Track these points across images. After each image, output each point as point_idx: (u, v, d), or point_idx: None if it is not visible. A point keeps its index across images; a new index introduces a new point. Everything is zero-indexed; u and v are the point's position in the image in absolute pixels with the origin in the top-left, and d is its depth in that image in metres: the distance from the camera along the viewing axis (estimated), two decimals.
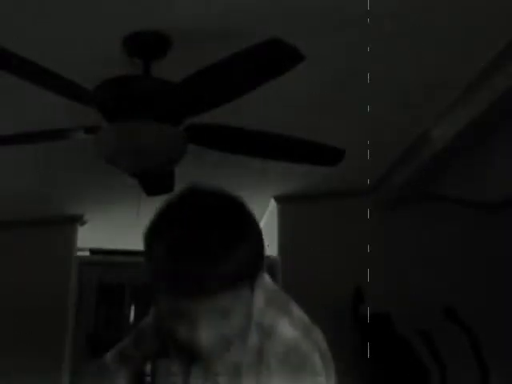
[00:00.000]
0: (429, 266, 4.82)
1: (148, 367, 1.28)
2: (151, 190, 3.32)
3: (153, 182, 3.20)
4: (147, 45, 2.55)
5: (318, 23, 2.51)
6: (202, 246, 1.05)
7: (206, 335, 1.11)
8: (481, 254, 4.88)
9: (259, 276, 1.18)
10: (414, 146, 4.07)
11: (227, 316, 1.12)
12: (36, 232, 5.06)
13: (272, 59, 2.12)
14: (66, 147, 3.08)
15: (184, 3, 2.31)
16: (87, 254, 5.81)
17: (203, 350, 1.14)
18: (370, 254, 4.85)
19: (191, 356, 1.24)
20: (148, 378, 1.33)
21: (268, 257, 5.26)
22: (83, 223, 5.27)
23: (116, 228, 5.55)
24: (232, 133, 2.75)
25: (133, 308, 5.84)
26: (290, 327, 1.23)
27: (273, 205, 5.12)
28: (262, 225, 5.40)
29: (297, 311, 1.28)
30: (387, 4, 2.39)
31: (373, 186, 4.95)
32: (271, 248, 5.11)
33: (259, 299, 1.23)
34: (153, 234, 1.12)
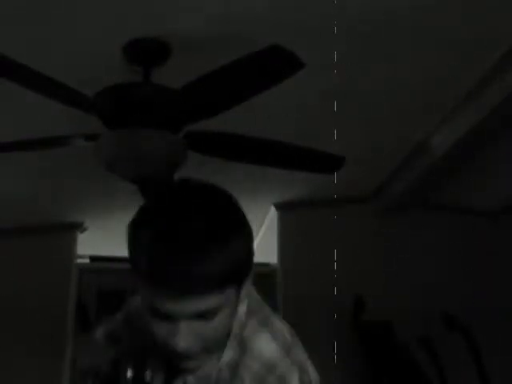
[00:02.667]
0: (429, 273, 4.81)
1: (148, 374, 1.22)
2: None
3: (153, 189, 3.20)
4: (147, 52, 2.55)
5: (318, 32, 2.52)
6: (190, 240, 0.99)
7: (185, 338, 1.04)
8: (481, 261, 4.87)
9: (246, 283, 1.12)
10: (414, 153, 4.06)
11: (210, 320, 1.05)
12: (36, 239, 5.04)
13: (272, 66, 2.12)
14: (66, 154, 3.08)
15: (184, 10, 2.32)
16: (87, 261, 5.80)
17: (180, 354, 1.07)
18: (370, 261, 4.85)
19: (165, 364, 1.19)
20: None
21: (268, 264, 5.26)
22: (83, 230, 5.26)
23: (116, 235, 5.51)
24: (232, 140, 2.75)
25: None
26: (269, 343, 1.16)
27: (273, 212, 5.11)
28: (261, 232, 5.40)
29: (279, 325, 1.22)
30: (387, 13, 2.40)
31: (373, 193, 4.94)
32: (271, 255, 5.10)
33: (241, 310, 1.18)
34: (138, 225, 1.06)
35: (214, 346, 1.12)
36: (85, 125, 2.66)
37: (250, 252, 1.09)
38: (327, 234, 4.99)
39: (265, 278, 4.64)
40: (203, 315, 1.04)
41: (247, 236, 1.08)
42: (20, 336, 4.78)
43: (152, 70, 2.58)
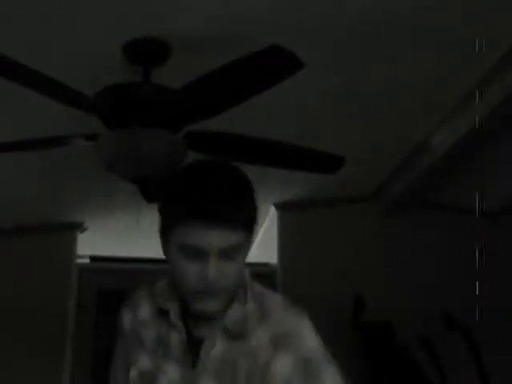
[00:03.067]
0: (429, 273, 4.81)
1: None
2: (151, 197, 3.32)
3: (153, 189, 3.20)
4: (147, 51, 2.55)
5: (319, 32, 2.52)
6: (229, 191, 1.23)
7: (214, 271, 1.22)
8: (481, 261, 4.87)
9: (251, 241, 1.33)
10: (414, 153, 4.07)
11: (232, 261, 1.25)
12: (36, 239, 5.05)
13: (272, 66, 2.12)
14: (66, 154, 3.08)
15: (184, 10, 2.32)
16: (87, 261, 5.80)
17: (209, 286, 1.23)
18: (369, 261, 4.85)
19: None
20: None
21: (268, 264, 5.26)
22: (83, 230, 5.26)
23: (116, 235, 5.54)
24: (232, 140, 2.75)
25: None
26: (282, 297, 1.40)
27: (273, 212, 5.11)
28: (261, 232, 5.40)
29: None
30: (387, 13, 2.40)
31: (373, 193, 4.94)
32: (271, 255, 5.10)
33: (247, 271, 1.38)
34: (177, 181, 1.28)
35: (233, 287, 1.30)
36: (85, 125, 2.66)
37: (257, 212, 1.31)
38: (327, 233, 5.00)
39: (265, 278, 4.63)
40: (228, 253, 1.23)
41: (256, 199, 1.31)
42: (20, 336, 4.79)
43: (152, 70, 2.57)
